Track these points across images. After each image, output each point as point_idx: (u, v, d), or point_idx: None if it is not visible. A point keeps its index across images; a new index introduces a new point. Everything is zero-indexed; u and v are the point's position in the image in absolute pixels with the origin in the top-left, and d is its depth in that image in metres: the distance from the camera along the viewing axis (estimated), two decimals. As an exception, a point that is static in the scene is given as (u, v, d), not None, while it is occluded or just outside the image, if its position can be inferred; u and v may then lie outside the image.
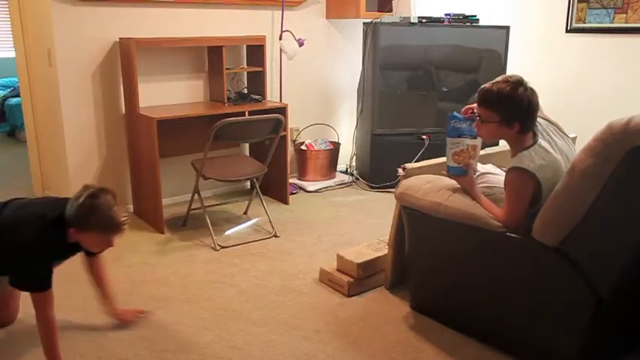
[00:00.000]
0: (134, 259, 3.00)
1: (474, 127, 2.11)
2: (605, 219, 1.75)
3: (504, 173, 2.43)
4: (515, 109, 1.94)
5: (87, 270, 2.32)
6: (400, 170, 2.48)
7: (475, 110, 2.06)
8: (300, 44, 3.97)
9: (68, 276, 2.78)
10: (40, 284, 1.92)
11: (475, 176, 2.20)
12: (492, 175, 2.34)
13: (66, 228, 1.93)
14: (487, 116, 1.99)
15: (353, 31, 4.57)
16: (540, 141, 1.98)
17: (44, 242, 1.90)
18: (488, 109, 1.98)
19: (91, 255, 2.26)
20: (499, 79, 1.99)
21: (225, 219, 3.62)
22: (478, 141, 2.15)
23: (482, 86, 2.01)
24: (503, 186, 2.05)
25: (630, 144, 1.63)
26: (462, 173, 2.13)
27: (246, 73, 4.03)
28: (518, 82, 1.95)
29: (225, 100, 3.70)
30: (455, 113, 2.16)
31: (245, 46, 4.00)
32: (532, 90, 1.96)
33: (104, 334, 2.27)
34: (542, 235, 1.85)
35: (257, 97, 3.83)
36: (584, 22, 4.01)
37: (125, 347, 2.18)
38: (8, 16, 3.84)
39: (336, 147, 4.42)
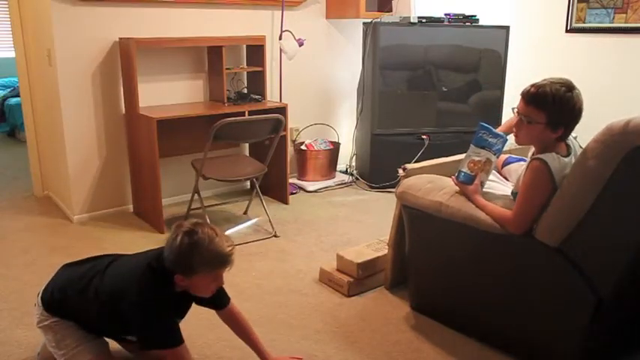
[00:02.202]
0: (134, 259, 2.99)
1: (498, 143, 2.10)
2: (606, 219, 1.75)
3: (506, 182, 2.44)
4: (565, 113, 1.86)
5: (227, 324, 2.06)
6: (400, 171, 2.48)
7: (518, 110, 1.95)
8: (300, 44, 3.97)
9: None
10: (169, 339, 1.72)
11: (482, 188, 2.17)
12: (497, 183, 2.34)
13: (171, 277, 1.72)
14: (534, 117, 1.88)
15: (353, 31, 4.57)
16: (570, 156, 1.90)
17: (156, 293, 1.72)
18: (537, 109, 1.87)
19: (219, 307, 2.00)
20: (548, 80, 1.89)
21: (225, 219, 3.62)
22: (495, 158, 2.14)
23: (530, 86, 1.91)
24: (508, 193, 2.03)
25: (630, 145, 1.63)
26: (469, 182, 2.12)
27: (246, 73, 4.04)
28: (572, 85, 1.87)
29: (225, 100, 3.70)
30: (486, 124, 2.15)
31: (245, 46, 4.00)
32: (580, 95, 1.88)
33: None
34: (544, 235, 1.85)
35: (257, 97, 3.83)
36: (584, 22, 4.01)
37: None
38: (8, 16, 3.84)
39: (335, 147, 4.42)
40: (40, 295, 1.94)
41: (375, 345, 2.22)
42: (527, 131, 1.92)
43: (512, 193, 2.09)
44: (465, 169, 2.13)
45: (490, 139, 2.11)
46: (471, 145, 2.15)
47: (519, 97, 1.93)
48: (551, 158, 1.85)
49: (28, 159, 4.04)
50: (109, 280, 1.81)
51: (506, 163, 2.50)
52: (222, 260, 1.70)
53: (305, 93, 4.42)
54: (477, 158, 2.12)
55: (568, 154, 1.91)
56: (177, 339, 1.73)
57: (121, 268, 1.84)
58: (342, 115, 4.72)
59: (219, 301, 1.97)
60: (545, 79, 1.89)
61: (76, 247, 3.14)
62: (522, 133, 1.94)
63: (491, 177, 2.39)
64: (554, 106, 1.84)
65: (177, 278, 1.71)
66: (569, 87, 1.85)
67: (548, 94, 1.84)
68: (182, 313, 1.91)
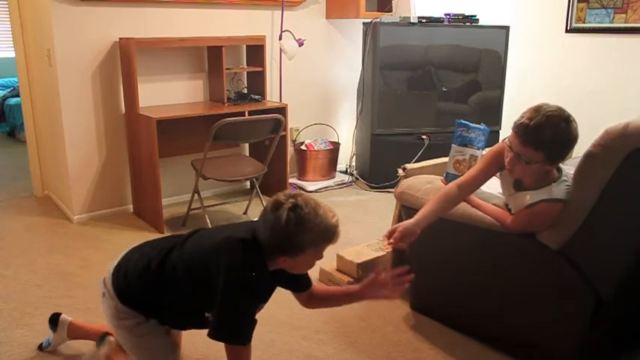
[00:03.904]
0: (134, 259, 2.99)
1: (479, 136, 2.09)
2: (607, 221, 1.75)
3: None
4: (566, 148, 1.73)
5: (307, 305, 1.88)
6: (400, 171, 2.49)
7: (512, 146, 1.77)
8: (300, 44, 3.97)
9: (70, 276, 2.79)
10: (242, 335, 1.53)
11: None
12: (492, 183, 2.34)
13: (265, 258, 1.55)
14: (533, 157, 1.72)
15: (353, 31, 4.57)
16: (563, 176, 1.84)
17: (250, 273, 1.51)
18: (537, 150, 1.70)
19: (302, 289, 1.80)
20: (542, 112, 1.69)
21: (225, 219, 3.62)
22: (480, 152, 2.13)
23: (525, 120, 1.71)
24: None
25: (629, 147, 1.63)
26: None
27: (245, 73, 4.04)
28: (567, 115, 1.70)
29: (225, 100, 3.70)
30: (463, 121, 2.14)
31: (245, 46, 4.00)
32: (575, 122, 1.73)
33: (104, 334, 2.27)
34: (546, 238, 1.85)
35: (257, 97, 3.83)
36: (584, 22, 4.01)
37: (125, 347, 2.18)
38: (8, 16, 3.84)
39: (335, 147, 4.42)
40: (111, 283, 1.70)
41: (375, 345, 2.22)
42: (525, 170, 1.78)
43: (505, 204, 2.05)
44: (451, 171, 2.14)
45: (470, 135, 2.11)
46: (453, 146, 2.15)
47: (512, 131, 1.76)
48: (562, 193, 1.80)
49: (28, 159, 4.04)
50: (191, 252, 1.61)
51: None
52: (332, 234, 1.54)
53: (305, 93, 4.42)
54: (461, 157, 2.12)
55: (559, 172, 1.86)
56: (248, 336, 1.54)
57: (204, 241, 1.64)
58: (342, 115, 4.72)
59: (303, 284, 1.78)
60: (538, 110, 1.71)
61: (75, 247, 3.14)
62: (518, 170, 1.79)
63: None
64: (554, 144, 1.71)
65: (280, 260, 1.54)
66: (565, 119, 1.70)
67: (547, 132, 1.68)
68: (267, 298, 1.68)
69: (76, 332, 2.12)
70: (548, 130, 1.68)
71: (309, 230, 1.49)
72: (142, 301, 1.68)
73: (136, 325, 1.68)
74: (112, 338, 2.02)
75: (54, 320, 2.13)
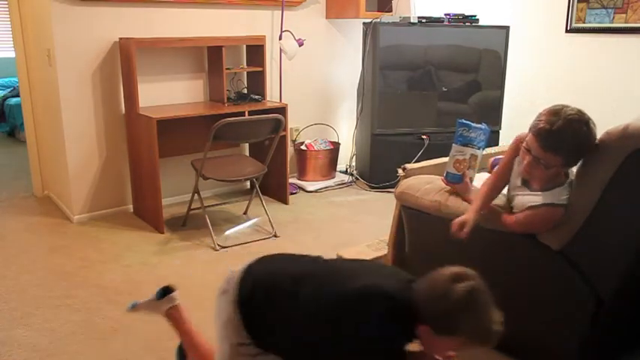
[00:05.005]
0: (134, 259, 3.00)
1: (479, 136, 2.09)
2: (607, 222, 1.75)
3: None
4: (584, 152, 1.69)
5: None
6: (400, 171, 2.49)
7: (530, 149, 1.72)
8: (300, 44, 3.97)
9: (70, 276, 2.79)
10: None
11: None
12: None
13: (409, 319, 1.40)
14: (552, 162, 1.68)
15: (353, 31, 4.57)
16: (569, 180, 1.83)
17: (396, 336, 1.40)
18: (556, 155, 1.66)
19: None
20: (562, 114, 1.64)
21: (225, 219, 3.62)
22: (480, 152, 2.14)
23: (546, 124, 1.65)
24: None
25: (629, 148, 1.64)
26: (459, 181, 2.13)
27: (245, 73, 4.04)
28: (586, 118, 1.65)
29: (225, 100, 3.70)
30: (464, 120, 2.14)
31: (245, 46, 4.00)
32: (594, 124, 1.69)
33: (104, 336, 2.27)
34: (547, 239, 1.85)
35: (257, 97, 3.83)
36: (584, 22, 4.01)
37: (125, 348, 2.18)
38: (8, 16, 3.84)
39: (335, 147, 4.42)
40: (238, 285, 1.54)
41: (374, 345, 2.22)
42: (544, 174, 1.75)
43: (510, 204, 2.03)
44: (451, 170, 2.14)
45: (471, 135, 2.11)
46: (454, 145, 2.15)
47: (530, 134, 1.72)
48: (566, 199, 1.79)
49: (28, 159, 4.04)
50: (328, 292, 1.45)
51: (494, 165, 2.51)
52: (488, 338, 1.38)
53: (305, 93, 4.42)
54: (461, 157, 2.12)
55: (566, 175, 1.85)
56: None
57: (346, 282, 1.46)
58: (342, 115, 4.72)
59: None
60: (557, 113, 1.65)
61: (75, 247, 3.14)
62: (537, 173, 1.76)
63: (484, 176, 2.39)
64: (574, 149, 1.67)
65: (422, 329, 1.39)
66: (586, 122, 1.65)
67: (569, 137, 1.63)
68: None
69: (172, 315, 1.93)
70: (570, 135, 1.63)
71: (471, 321, 1.35)
72: (260, 319, 1.53)
73: (239, 345, 1.56)
74: (176, 295, 1.91)
75: (167, 291, 1.93)
